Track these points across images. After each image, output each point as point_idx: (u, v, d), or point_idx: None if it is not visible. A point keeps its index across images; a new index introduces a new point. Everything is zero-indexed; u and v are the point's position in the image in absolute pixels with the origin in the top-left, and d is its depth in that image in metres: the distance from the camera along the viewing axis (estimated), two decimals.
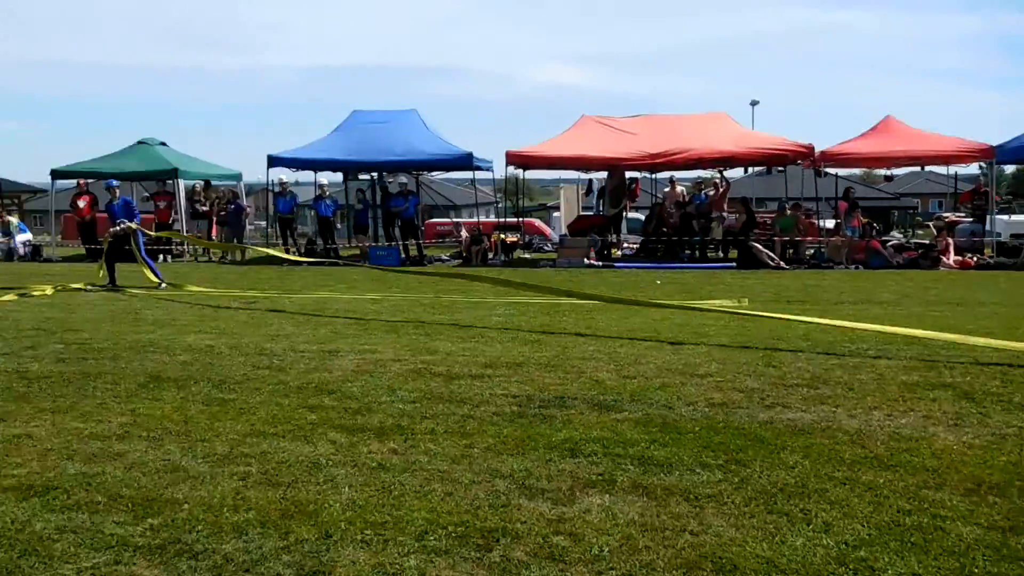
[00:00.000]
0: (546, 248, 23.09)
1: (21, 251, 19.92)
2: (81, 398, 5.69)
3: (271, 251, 15.89)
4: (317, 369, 6.59)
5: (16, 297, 11.18)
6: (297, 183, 20.33)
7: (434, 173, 23.02)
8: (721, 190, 19.26)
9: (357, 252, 19.95)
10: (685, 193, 20.55)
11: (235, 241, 20.00)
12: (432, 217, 28.61)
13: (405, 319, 9.36)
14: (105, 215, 14.56)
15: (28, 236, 21.07)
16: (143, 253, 13.15)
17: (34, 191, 44.49)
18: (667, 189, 20.94)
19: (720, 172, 19.84)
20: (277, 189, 19.84)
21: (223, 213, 20.19)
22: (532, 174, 21.91)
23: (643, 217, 23.61)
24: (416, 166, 20.10)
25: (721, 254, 19.22)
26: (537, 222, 29.85)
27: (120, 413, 5.30)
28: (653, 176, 22.64)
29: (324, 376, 6.34)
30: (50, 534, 3.45)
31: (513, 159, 18.89)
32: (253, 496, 3.88)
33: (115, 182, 14.22)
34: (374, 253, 18.49)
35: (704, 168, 20.07)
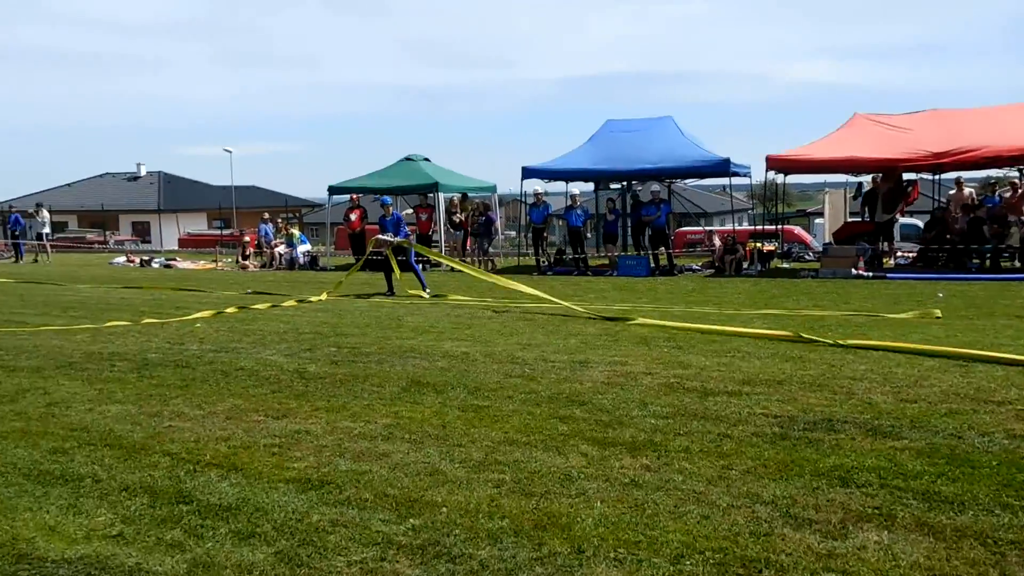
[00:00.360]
0: (807, 257, 21.77)
1: (301, 260, 22.34)
2: (351, 399, 6.19)
3: (461, 265, 16.17)
4: (568, 379, 6.67)
5: (296, 303, 12.52)
6: (547, 193, 20.86)
7: (687, 180, 22.59)
8: (1021, 191, 17.01)
9: (606, 262, 20.09)
10: (974, 195, 18.38)
11: (487, 250, 20.98)
12: (683, 226, 28.13)
13: (654, 331, 9.23)
14: (376, 228, 15.89)
15: (307, 247, 23.60)
16: (414, 265, 14.13)
17: (313, 206, 49.91)
18: (952, 192, 18.89)
19: (1021, 171, 17.54)
20: (531, 200, 20.54)
21: (476, 224, 21.27)
22: (792, 178, 20.74)
23: (920, 223, 21.48)
24: (670, 174, 19.87)
25: (1018, 263, 16.97)
26: (797, 229, 28.25)
27: (385, 415, 5.70)
28: (935, 177, 20.53)
29: (575, 387, 6.40)
30: (324, 526, 3.76)
31: (775, 163, 18.01)
32: (507, 504, 3.97)
33: (388, 199, 15.41)
34: (623, 262, 18.50)
35: (1000, 167, 17.82)
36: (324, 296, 13.24)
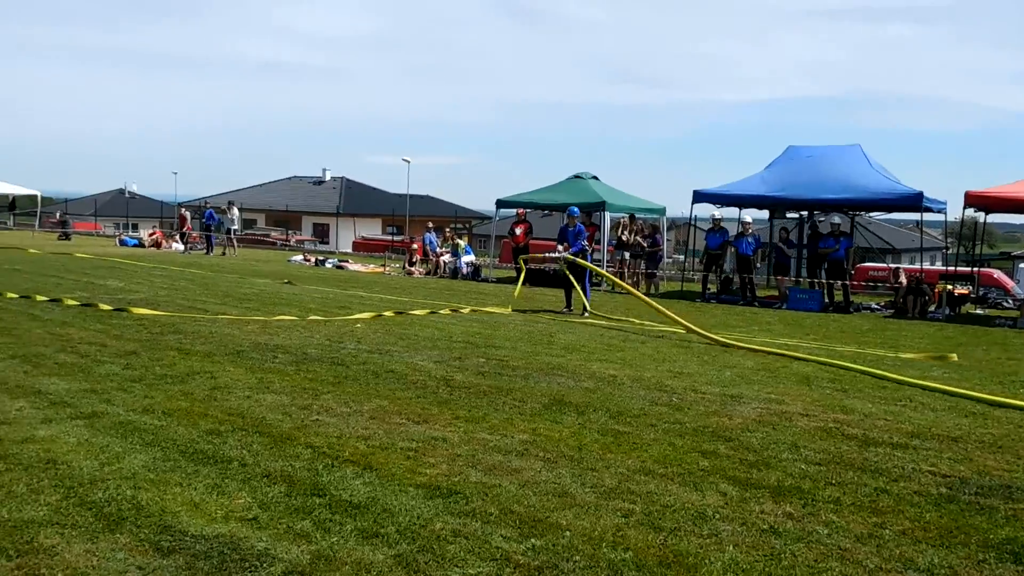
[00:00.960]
0: (1005, 304, 19.91)
1: (464, 271, 22.96)
2: (492, 411, 6.26)
3: (623, 285, 15.71)
4: (716, 413, 6.43)
5: (449, 312, 12.85)
6: (723, 219, 20.30)
7: (874, 213, 21.32)
8: None
9: (776, 293, 19.27)
10: None
11: (652, 273, 20.69)
12: (865, 260, 26.54)
13: (817, 370, 8.73)
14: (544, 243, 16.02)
15: (471, 258, 24.22)
16: (586, 281, 14.03)
17: (482, 218, 51.21)
18: None
19: None
20: (709, 225, 20.09)
21: (636, 246, 21.04)
22: (996, 217, 19.08)
23: None
24: (855, 205, 18.81)
25: None
26: (996, 273, 25.93)
27: (523, 431, 5.71)
28: None
29: (723, 421, 6.15)
30: (446, 535, 3.80)
31: (975, 200, 16.63)
32: (633, 536, 3.86)
33: (576, 210, 15.31)
34: (794, 295, 17.68)
35: None
36: (467, 310, 13.49)
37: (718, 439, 5.65)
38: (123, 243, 32.99)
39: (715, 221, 19.92)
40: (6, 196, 48.65)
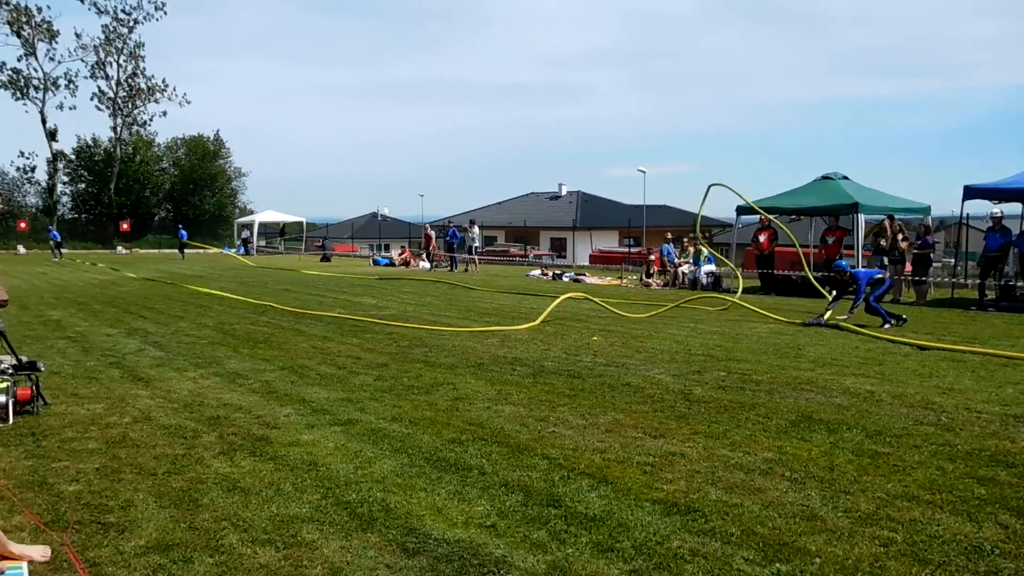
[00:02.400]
0: None
1: (704, 280, 22.45)
2: (733, 427, 6.06)
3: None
4: (996, 435, 5.78)
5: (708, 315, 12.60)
6: (1004, 216, 18.23)
7: None
8: None
9: None
10: None
11: (923, 281, 19.06)
12: None
13: None
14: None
15: (712, 267, 23.64)
16: (872, 297, 12.77)
17: (722, 225, 49.88)
18: None
19: None
20: (988, 223, 18.22)
21: (901, 250, 19.43)
22: None
23: None
24: None
25: None
26: None
27: (767, 448, 5.48)
28: None
29: (1003, 445, 5.53)
30: (684, 554, 3.73)
31: None
32: (894, 568, 3.57)
33: (843, 264, 14.14)
34: None
35: None
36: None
37: (997, 464, 5.08)
38: (376, 263, 35.80)
39: (995, 219, 17.95)
40: (277, 223, 54.80)
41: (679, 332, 11.61)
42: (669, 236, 26.73)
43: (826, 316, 12.83)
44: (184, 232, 43.56)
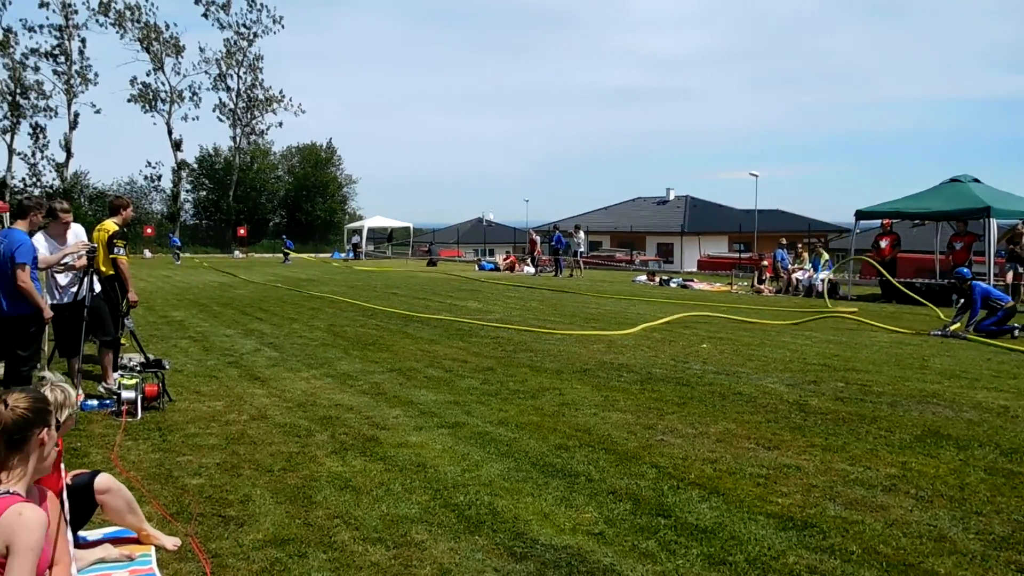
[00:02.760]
0: None
1: (819, 287, 21.69)
2: (853, 440, 5.83)
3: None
4: None
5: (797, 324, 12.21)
6: None
7: None
8: None
9: None
10: None
11: None
12: None
13: None
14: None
15: (828, 273, 22.84)
16: (985, 323, 12.04)
17: (839, 231, 48.21)
18: None
19: None
20: None
21: None
22: None
23: None
24: None
25: None
26: None
27: (890, 464, 5.25)
28: None
29: None
30: (800, 571, 3.61)
31: None
32: None
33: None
34: None
35: None
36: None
37: None
38: (481, 267, 36.19)
39: None
40: (385, 229, 56.15)
41: (793, 340, 11.26)
42: (784, 241, 25.97)
43: (954, 326, 12.20)
44: (291, 242, 45.16)
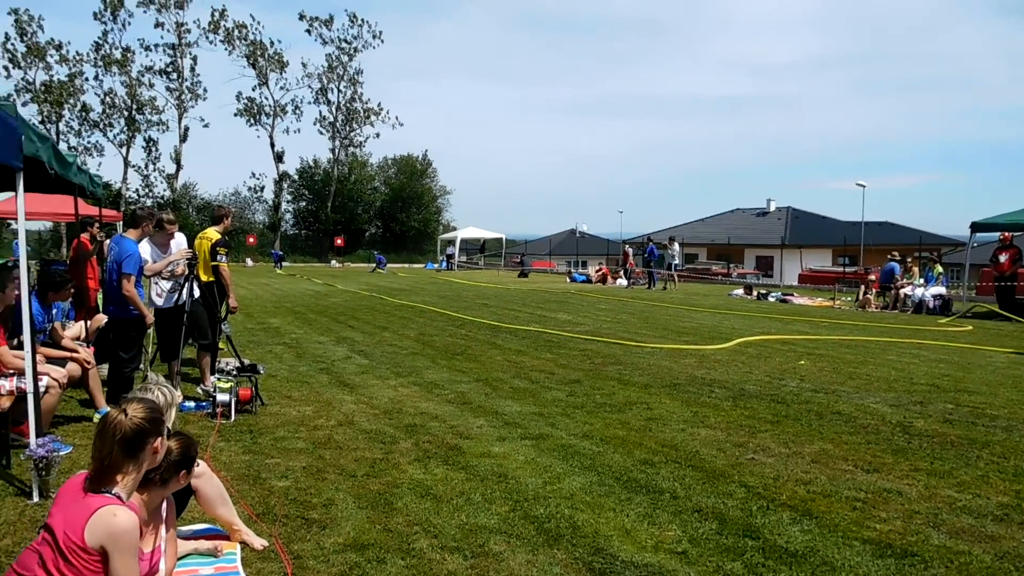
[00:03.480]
0: None
1: (931, 304, 20.77)
2: (961, 465, 5.53)
3: None
4: None
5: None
6: None
7: None
8: None
9: None
10: None
11: None
12: None
13: None
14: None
15: (941, 289, 21.85)
16: None
17: (952, 244, 46.15)
18: None
19: None
20: None
21: None
22: None
23: None
24: None
25: None
26: None
27: (1002, 492, 4.95)
28: None
29: None
30: None
31: None
32: None
33: None
34: None
35: None
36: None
37: None
38: (573, 279, 36.11)
39: None
40: (478, 240, 56.71)
41: (899, 358, 10.79)
42: (895, 255, 24.94)
43: None
44: (381, 256, 46.10)
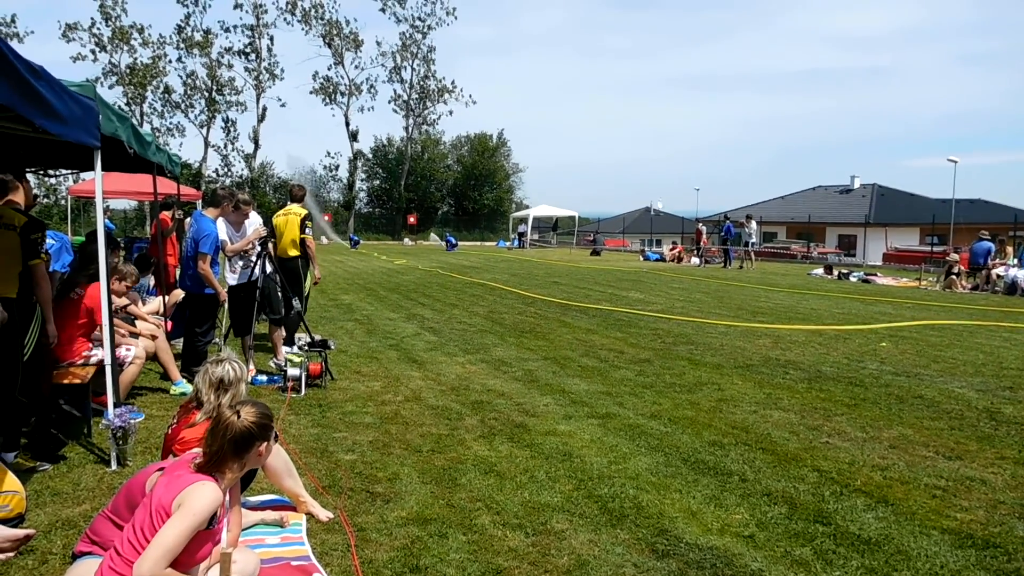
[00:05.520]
0: None
1: (1023, 285, 19.87)
2: None
3: None
4: None
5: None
6: None
7: None
8: None
9: None
10: None
11: None
12: None
13: None
14: None
15: None
16: None
17: None
18: None
19: None
20: None
21: None
22: None
23: None
24: None
25: None
26: None
27: None
28: None
29: None
30: None
31: None
32: None
33: None
34: None
35: None
36: None
37: None
38: (646, 258, 35.76)
39: None
40: (550, 218, 56.54)
41: (989, 342, 10.37)
42: (985, 234, 23.93)
43: None
44: (451, 236, 46.39)
